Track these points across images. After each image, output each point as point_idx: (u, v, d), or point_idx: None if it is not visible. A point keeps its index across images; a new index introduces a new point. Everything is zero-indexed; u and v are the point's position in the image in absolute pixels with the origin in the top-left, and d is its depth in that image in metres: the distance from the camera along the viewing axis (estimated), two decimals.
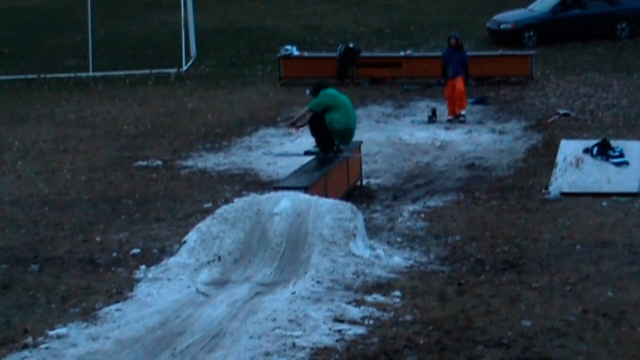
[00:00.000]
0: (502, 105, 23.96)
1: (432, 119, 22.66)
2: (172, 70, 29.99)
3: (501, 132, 21.28)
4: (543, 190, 16.53)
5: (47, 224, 15.53)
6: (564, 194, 16.22)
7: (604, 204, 15.70)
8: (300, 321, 10.85)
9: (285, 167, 18.12)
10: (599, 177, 16.46)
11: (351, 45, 28.13)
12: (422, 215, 15.46)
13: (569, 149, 17.06)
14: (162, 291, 12.05)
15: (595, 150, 16.86)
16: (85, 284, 12.55)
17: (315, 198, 13.70)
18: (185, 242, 13.17)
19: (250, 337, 10.40)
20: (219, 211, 13.55)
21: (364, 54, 28.30)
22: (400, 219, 15.29)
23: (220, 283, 12.31)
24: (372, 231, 14.35)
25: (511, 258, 13.16)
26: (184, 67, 30.34)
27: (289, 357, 10.04)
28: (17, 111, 25.38)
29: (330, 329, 10.73)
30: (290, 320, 10.86)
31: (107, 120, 23.93)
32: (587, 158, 16.80)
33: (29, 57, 32.74)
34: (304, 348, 10.24)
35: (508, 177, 17.84)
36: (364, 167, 18.01)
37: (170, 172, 18.92)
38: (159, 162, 19.61)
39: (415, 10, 37.80)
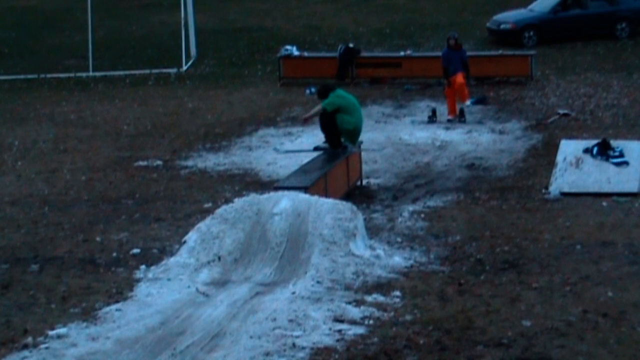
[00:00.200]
0: (502, 105, 23.94)
1: (432, 119, 22.64)
2: (172, 70, 29.96)
3: (501, 132, 21.27)
4: (543, 190, 16.52)
5: (47, 224, 15.53)
6: (564, 194, 16.22)
7: (604, 204, 15.70)
8: (300, 321, 10.86)
9: (285, 167, 18.13)
10: (599, 177, 16.45)
11: (351, 45, 28.09)
12: (422, 215, 15.46)
13: (569, 149, 17.05)
14: (162, 291, 12.06)
15: (595, 150, 16.85)
16: (85, 284, 12.55)
17: (315, 198, 13.70)
18: (185, 242, 13.17)
19: (250, 337, 10.41)
20: (219, 211, 13.55)
21: (364, 54, 28.24)
22: (400, 219, 15.28)
23: (220, 283, 12.30)
24: (372, 231, 14.34)
25: (511, 258, 13.16)
26: (184, 67, 30.30)
27: (289, 357, 10.04)
28: (17, 111, 25.34)
29: (330, 329, 10.73)
30: (290, 320, 10.87)
31: (107, 120, 23.91)
32: (587, 158, 16.79)
33: (29, 57, 32.71)
34: (304, 348, 10.24)
35: (508, 177, 17.83)
36: (364, 167, 18.01)
37: (170, 172, 18.91)
38: (159, 162, 19.60)
39: (415, 10, 37.78)
